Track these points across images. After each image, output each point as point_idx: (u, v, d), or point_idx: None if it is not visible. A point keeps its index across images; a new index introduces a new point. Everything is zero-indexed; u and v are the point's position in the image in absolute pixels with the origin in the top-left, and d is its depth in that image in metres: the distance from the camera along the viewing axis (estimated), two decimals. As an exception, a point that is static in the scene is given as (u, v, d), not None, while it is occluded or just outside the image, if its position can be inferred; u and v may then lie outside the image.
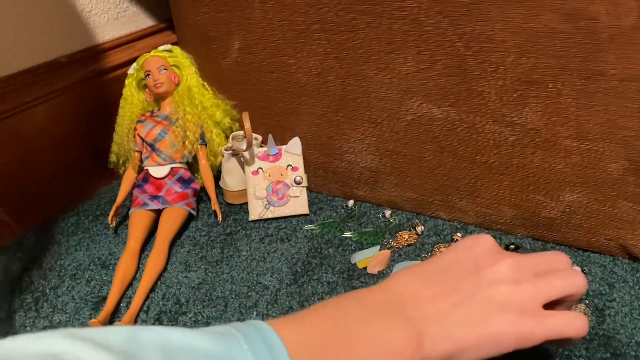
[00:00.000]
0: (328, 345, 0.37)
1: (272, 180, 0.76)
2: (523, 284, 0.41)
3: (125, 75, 0.79)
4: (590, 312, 0.55)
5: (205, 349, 0.32)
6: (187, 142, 0.75)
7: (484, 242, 0.45)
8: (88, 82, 0.81)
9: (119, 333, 0.31)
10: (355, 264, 0.66)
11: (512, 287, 0.41)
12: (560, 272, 0.43)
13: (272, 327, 0.36)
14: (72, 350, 0.28)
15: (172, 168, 0.75)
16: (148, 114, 0.78)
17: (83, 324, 0.60)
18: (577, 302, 0.56)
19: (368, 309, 0.41)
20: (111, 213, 0.73)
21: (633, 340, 0.52)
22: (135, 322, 0.60)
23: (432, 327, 0.40)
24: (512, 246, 0.65)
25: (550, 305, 0.42)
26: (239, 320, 0.59)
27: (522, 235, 0.68)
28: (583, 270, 0.61)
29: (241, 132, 0.79)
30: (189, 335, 0.33)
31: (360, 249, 0.68)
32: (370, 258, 0.66)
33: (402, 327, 0.39)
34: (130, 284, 0.65)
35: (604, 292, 0.58)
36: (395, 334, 0.39)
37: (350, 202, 0.77)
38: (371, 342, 0.38)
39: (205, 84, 0.79)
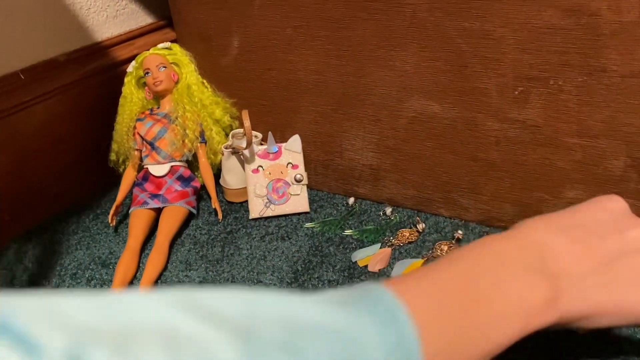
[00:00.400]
0: (459, 306, 0.35)
1: (273, 178, 0.75)
2: None
3: (124, 73, 0.79)
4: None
5: (327, 325, 0.30)
6: (186, 140, 0.75)
7: (619, 201, 0.42)
8: (87, 80, 0.80)
9: (234, 303, 0.29)
10: (356, 262, 0.66)
11: None
12: None
13: (394, 292, 0.33)
14: (189, 329, 0.25)
15: (172, 166, 0.75)
16: (147, 112, 0.78)
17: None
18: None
19: (502, 261, 0.38)
20: (111, 212, 0.73)
21: (637, 337, 0.52)
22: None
23: (570, 286, 0.37)
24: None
25: None
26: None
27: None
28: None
29: (241, 130, 0.79)
30: (309, 308, 0.31)
31: (361, 247, 0.68)
32: (371, 256, 0.66)
33: (540, 282, 0.37)
34: (131, 283, 0.65)
35: (606, 289, 0.58)
36: (534, 291, 0.37)
37: (351, 200, 0.77)
38: (507, 301, 0.36)
39: (204, 81, 0.79)
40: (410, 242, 0.68)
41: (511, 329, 0.36)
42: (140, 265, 0.68)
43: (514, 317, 0.36)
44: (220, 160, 0.79)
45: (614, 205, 0.42)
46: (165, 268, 0.67)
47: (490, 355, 0.36)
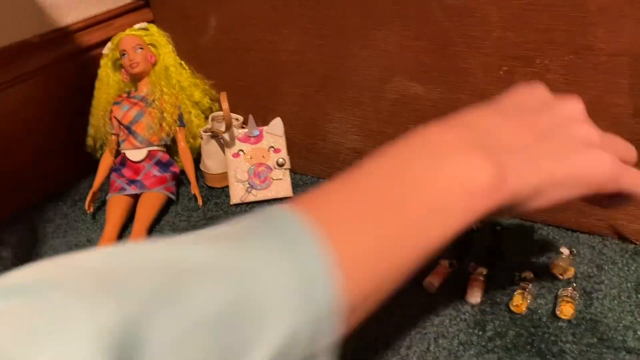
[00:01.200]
0: (383, 203, 0.31)
1: (254, 163, 0.73)
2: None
3: (100, 55, 0.76)
4: (577, 295, 0.54)
5: (213, 264, 0.26)
6: (164, 124, 0.73)
7: (540, 85, 0.41)
8: (62, 63, 0.78)
9: (100, 257, 0.26)
10: (338, 248, 0.64)
11: (594, 129, 0.38)
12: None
13: (301, 213, 0.29)
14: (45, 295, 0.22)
15: (149, 151, 0.73)
16: (125, 95, 0.75)
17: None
18: (565, 286, 0.55)
19: (435, 148, 0.34)
20: (88, 198, 0.71)
21: (621, 324, 0.51)
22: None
23: (515, 158, 0.34)
24: (499, 227, 0.63)
25: None
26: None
27: (509, 215, 0.66)
28: (572, 252, 0.60)
29: (221, 113, 0.77)
30: (193, 248, 0.27)
31: (343, 233, 0.66)
32: (353, 242, 0.64)
33: (480, 160, 0.33)
34: (107, 272, 0.64)
35: (592, 274, 0.57)
36: (474, 170, 0.32)
37: (335, 184, 0.75)
38: (443, 185, 0.32)
39: (182, 62, 0.76)
40: (394, 227, 0.66)
41: (452, 216, 0.32)
42: (118, 253, 0.66)
43: (453, 201, 0.32)
44: (200, 145, 0.77)
45: (537, 89, 0.40)
46: (143, 256, 0.65)
47: (432, 251, 0.32)
